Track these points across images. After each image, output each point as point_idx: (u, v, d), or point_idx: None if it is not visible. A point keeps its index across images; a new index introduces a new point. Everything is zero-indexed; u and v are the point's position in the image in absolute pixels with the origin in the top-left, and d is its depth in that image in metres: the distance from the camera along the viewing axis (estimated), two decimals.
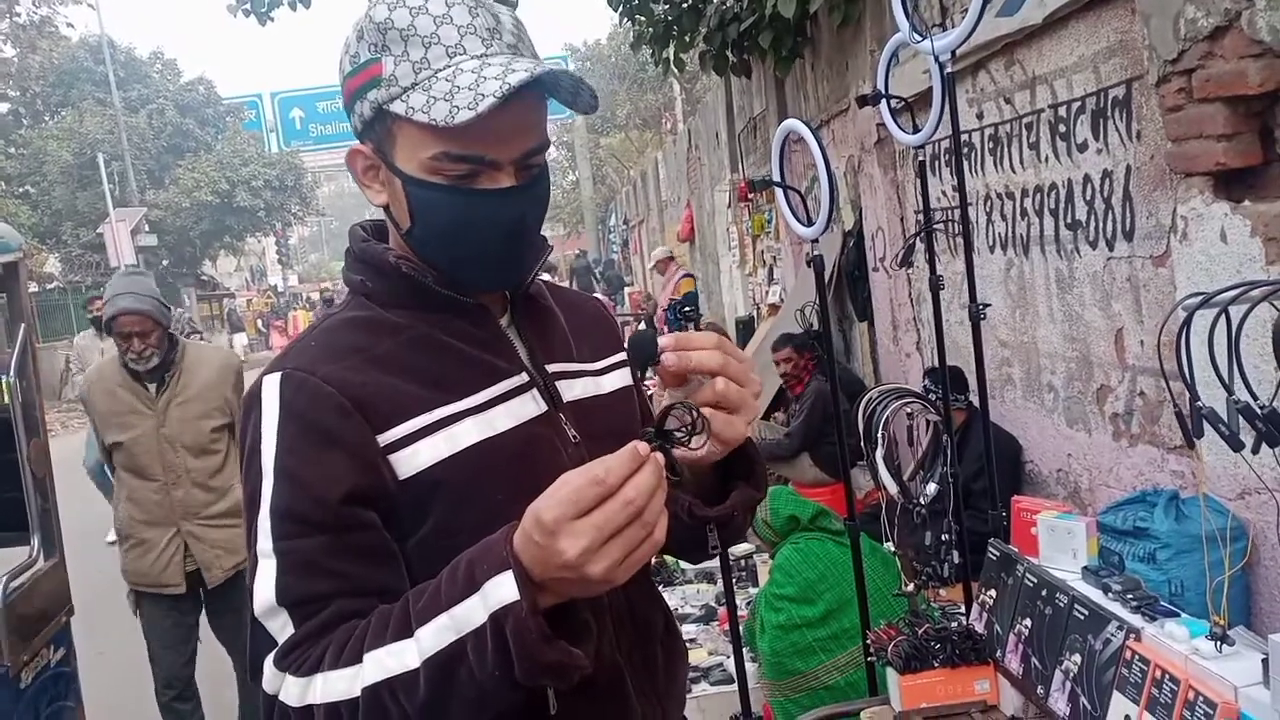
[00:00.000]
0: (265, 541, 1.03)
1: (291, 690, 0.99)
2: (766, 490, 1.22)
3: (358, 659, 0.97)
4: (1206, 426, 1.33)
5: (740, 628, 2.99)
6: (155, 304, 3.40)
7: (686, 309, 2.89)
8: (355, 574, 1.04)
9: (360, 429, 1.06)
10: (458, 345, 1.14)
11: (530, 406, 1.16)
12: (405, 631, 0.96)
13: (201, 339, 10.54)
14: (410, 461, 1.07)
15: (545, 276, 1.32)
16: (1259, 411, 1.22)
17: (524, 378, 1.17)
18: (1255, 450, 1.28)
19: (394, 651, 0.96)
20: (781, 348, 5.61)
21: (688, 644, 4.29)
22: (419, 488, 1.07)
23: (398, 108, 1.05)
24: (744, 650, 3.08)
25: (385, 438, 1.07)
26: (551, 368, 1.21)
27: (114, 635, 4.52)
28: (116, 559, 3.63)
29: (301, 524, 1.03)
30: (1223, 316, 1.28)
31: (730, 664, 3.66)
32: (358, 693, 0.96)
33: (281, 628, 1.02)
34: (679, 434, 0.98)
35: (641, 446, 0.91)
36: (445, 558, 1.02)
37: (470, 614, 0.93)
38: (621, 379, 1.31)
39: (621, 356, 1.33)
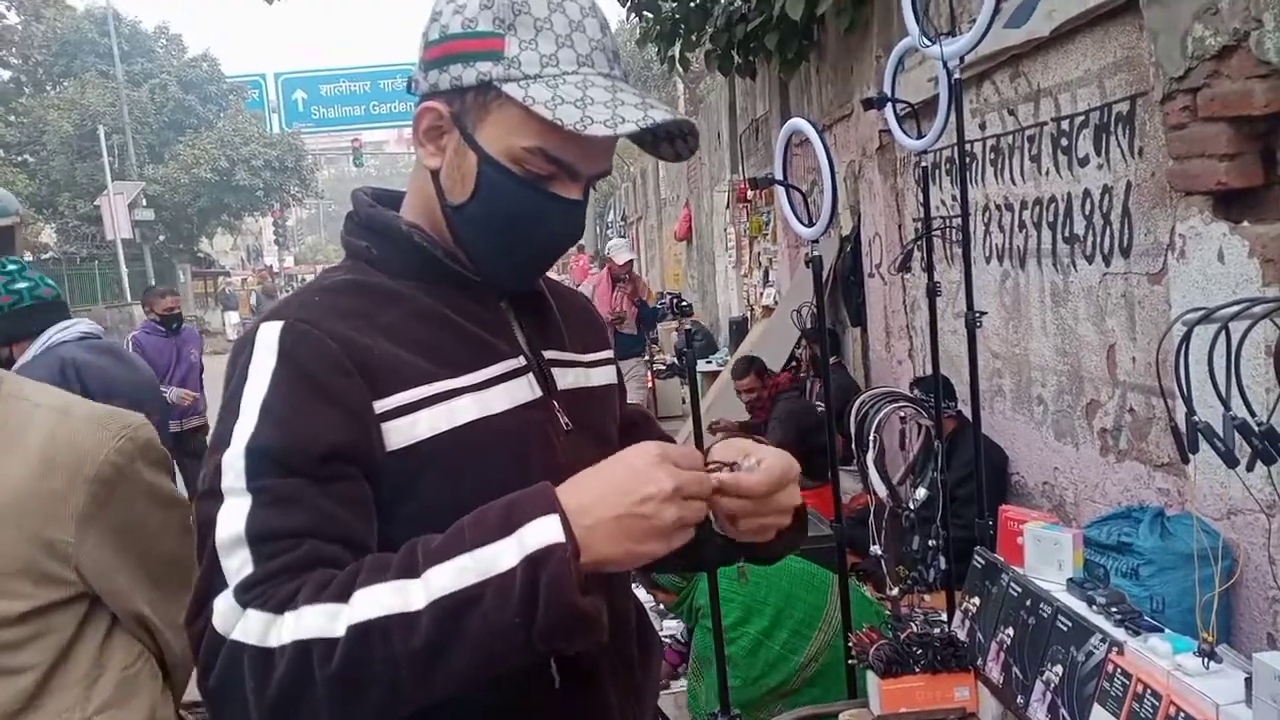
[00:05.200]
0: (236, 479, 0.97)
1: (252, 626, 0.91)
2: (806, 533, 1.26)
3: (343, 598, 0.91)
4: (1201, 443, 1.33)
5: (722, 624, 2.98)
6: None
7: (684, 304, 2.88)
8: (335, 515, 0.98)
9: (359, 391, 1.03)
10: (459, 321, 1.13)
11: (525, 391, 1.15)
12: (410, 572, 0.92)
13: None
14: (406, 432, 1.04)
15: None
16: (1256, 429, 1.22)
17: (521, 361, 1.16)
18: (1249, 468, 1.28)
19: (396, 589, 0.91)
20: (743, 375, 5.24)
21: (669, 640, 4.27)
22: (410, 460, 1.04)
23: (513, 90, 1.04)
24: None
25: (382, 405, 1.04)
26: (547, 354, 1.21)
27: None
28: None
29: (282, 466, 0.98)
30: (1223, 332, 1.28)
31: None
32: (340, 631, 0.89)
33: (240, 566, 0.94)
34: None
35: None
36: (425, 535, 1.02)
37: (499, 556, 0.91)
38: (608, 376, 1.32)
39: (608, 354, 1.34)
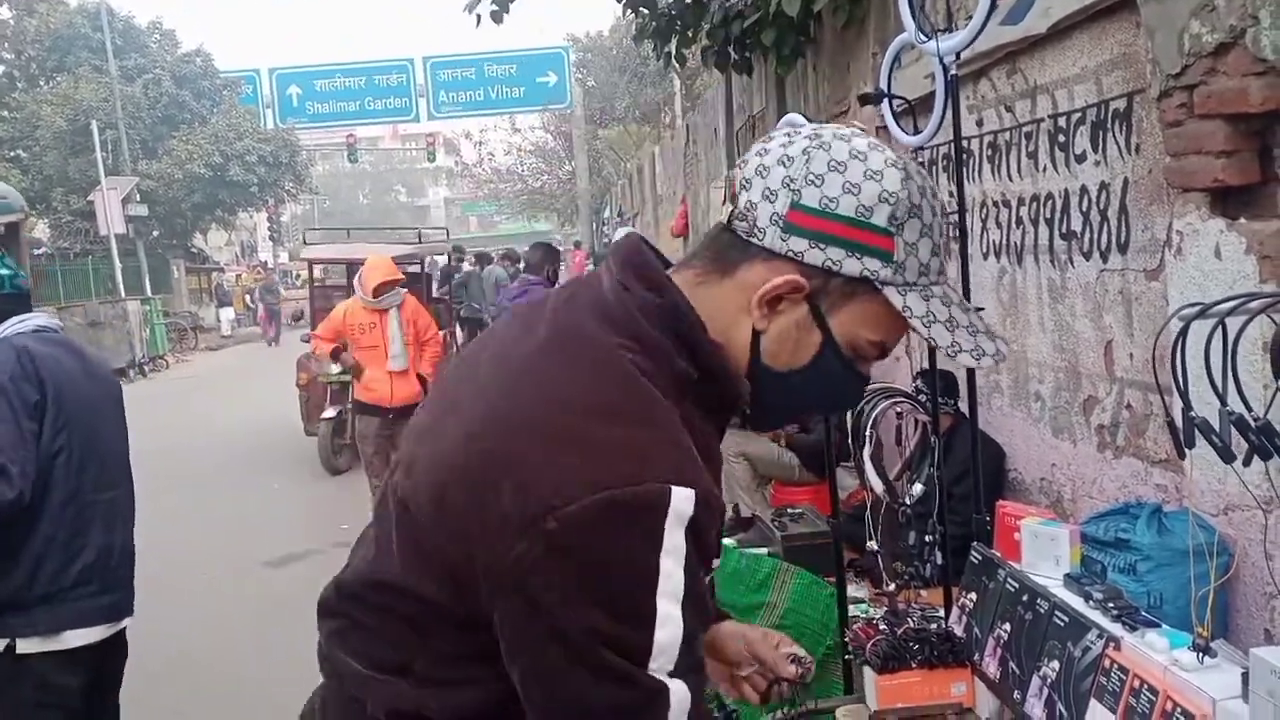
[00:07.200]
0: (667, 664, 0.97)
1: None
2: None
3: None
4: (1198, 438, 1.33)
5: None
6: None
7: None
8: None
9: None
10: (716, 456, 1.17)
11: None
12: None
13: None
14: None
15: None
16: (1252, 423, 1.23)
17: None
18: (1246, 463, 1.28)
19: None
20: None
21: None
22: None
23: (893, 296, 1.05)
24: None
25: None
26: None
27: None
28: None
29: (693, 644, 1.00)
30: (1219, 327, 1.28)
31: None
32: None
33: None
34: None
35: None
36: None
37: None
38: None
39: None
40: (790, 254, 1.04)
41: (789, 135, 1.08)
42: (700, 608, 0.99)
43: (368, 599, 1.14)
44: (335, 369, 8.71)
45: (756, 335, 1.08)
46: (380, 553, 1.14)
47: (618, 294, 1.09)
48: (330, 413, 9.05)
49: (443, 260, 16.13)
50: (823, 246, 1.03)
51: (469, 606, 1.03)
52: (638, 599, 0.95)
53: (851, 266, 1.03)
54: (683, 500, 0.95)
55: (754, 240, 1.06)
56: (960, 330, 1.05)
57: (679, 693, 0.97)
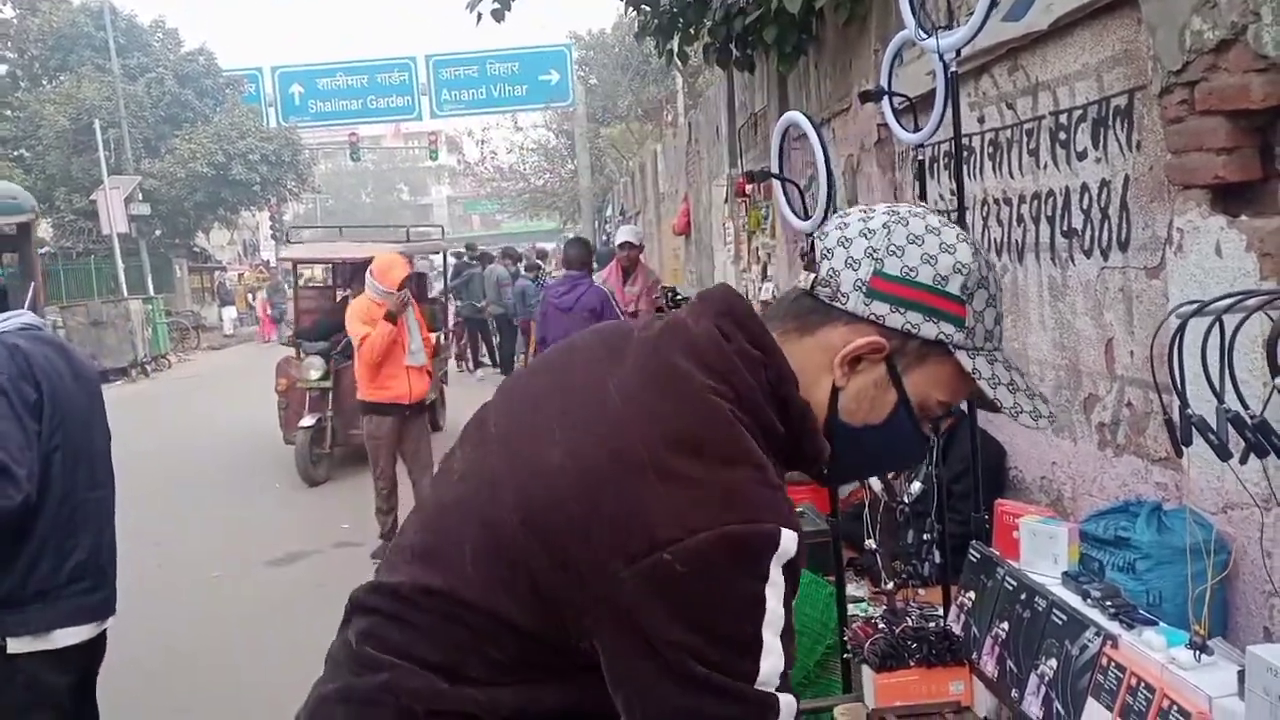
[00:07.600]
0: (768, 684, 1.04)
1: None
2: None
3: None
4: (1195, 436, 1.33)
5: None
6: None
7: (679, 298, 2.88)
8: None
9: None
10: None
11: None
12: None
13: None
14: None
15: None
16: (1249, 421, 1.22)
17: None
18: (1243, 461, 1.28)
19: None
20: None
21: None
22: None
23: (964, 359, 1.13)
24: None
25: None
26: None
27: None
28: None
29: (791, 681, 1.07)
30: (1216, 325, 1.28)
31: None
32: None
33: None
34: None
35: None
36: None
37: None
38: None
39: None
40: (872, 317, 1.12)
41: (865, 212, 1.18)
42: (792, 641, 1.05)
43: (422, 603, 1.16)
44: (315, 374, 8.75)
45: (835, 393, 1.15)
46: (446, 563, 1.15)
47: (715, 340, 1.13)
48: (309, 420, 8.84)
49: (438, 259, 16.09)
50: (903, 310, 1.12)
51: (544, 623, 1.08)
52: (745, 629, 1.02)
53: (929, 330, 1.12)
54: (789, 541, 1.03)
55: (837, 304, 1.14)
56: (1020, 394, 1.14)
57: (787, 703, 1.04)
